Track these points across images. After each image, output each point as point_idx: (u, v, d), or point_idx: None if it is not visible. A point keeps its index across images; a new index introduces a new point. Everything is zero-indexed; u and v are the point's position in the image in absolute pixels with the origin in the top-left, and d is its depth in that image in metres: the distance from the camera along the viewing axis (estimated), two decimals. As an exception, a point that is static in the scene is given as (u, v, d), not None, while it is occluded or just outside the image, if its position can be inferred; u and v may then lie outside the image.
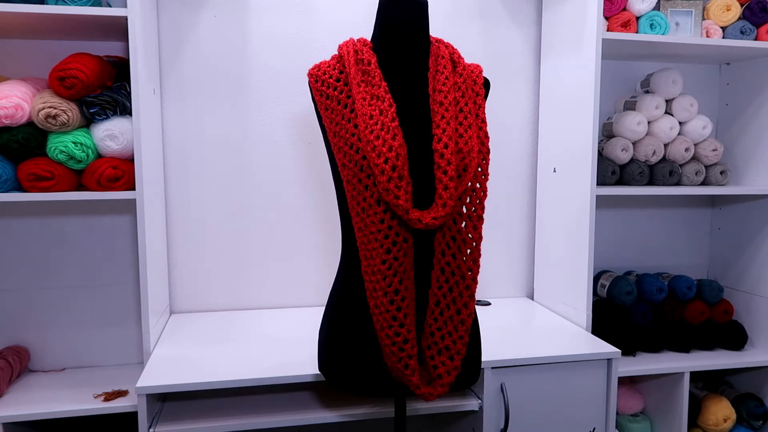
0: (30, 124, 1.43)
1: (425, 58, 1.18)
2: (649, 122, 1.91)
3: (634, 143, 1.91)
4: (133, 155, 1.48)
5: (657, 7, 1.83)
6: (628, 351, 1.85)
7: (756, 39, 1.87)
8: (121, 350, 1.82)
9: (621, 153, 1.87)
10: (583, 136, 1.76)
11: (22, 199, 1.43)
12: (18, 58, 1.69)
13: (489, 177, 1.14)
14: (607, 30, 1.78)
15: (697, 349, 1.94)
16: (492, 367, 1.49)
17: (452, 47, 1.21)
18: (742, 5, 1.86)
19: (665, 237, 2.22)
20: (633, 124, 1.87)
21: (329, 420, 1.45)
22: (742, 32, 1.85)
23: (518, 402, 1.52)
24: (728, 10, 1.85)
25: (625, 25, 1.78)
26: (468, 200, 1.12)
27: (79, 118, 1.44)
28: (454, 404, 1.51)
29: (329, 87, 1.13)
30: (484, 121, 1.15)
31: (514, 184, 2.12)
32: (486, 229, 2.05)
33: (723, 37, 1.86)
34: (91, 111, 1.45)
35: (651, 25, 1.79)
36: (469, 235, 1.12)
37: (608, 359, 1.58)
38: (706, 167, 1.96)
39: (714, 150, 1.94)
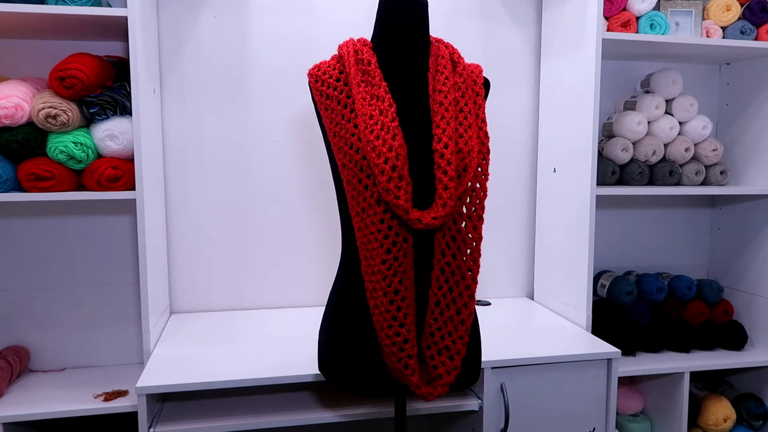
0: (30, 124, 1.43)
1: (425, 58, 1.18)
2: (649, 122, 1.91)
3: (634, 143, 1.91)
4: (133, 155, 1.48)
5: (657, 7, 1.83)
6: (628, 351, 1.85)
7: (756, 39, 1.87)
8: (121, 350, 1.82)
9: (621, 153, 1.87)
10: (583, 136, 1.76)
11: (22, 199, 1.43)
12: (18, 58, 1.69)
13: (489, 177, 1.14)
14: (607, 30, 1.78)
15: (697, 349, 1.94)
16: (492, 367, 1.49)
17: (452, 47, 1.21)
18: (742, 5, 1.86)
19: (665, 237, 2.22)
20: (633, 124, 1.87)
21: (329, 420, 1.45)
22: (742, 32, 1.85)
23: (518, 402, 1.52)
24: (728, 10, 1.85)
25: (625, 25, 1.78)
26: (468, 200, 1.12)
27: (79, 118, 1.44)
28: (454, 404, 1.51)
29: (329, 87, 1.13)
30: (484, 121, 1.15)
31: (514, 184, 2.12)
32: (486, 229, 2.05)
33: (723, 37, 1.86)
34: (91, 111, 1.45)
35: (651, 25, 1.79)
36: (469, 235, 1.12)
37: (608, 359, 1.58)
38: (706, 167, 1.96)
39: (714, 150, 1.94)
